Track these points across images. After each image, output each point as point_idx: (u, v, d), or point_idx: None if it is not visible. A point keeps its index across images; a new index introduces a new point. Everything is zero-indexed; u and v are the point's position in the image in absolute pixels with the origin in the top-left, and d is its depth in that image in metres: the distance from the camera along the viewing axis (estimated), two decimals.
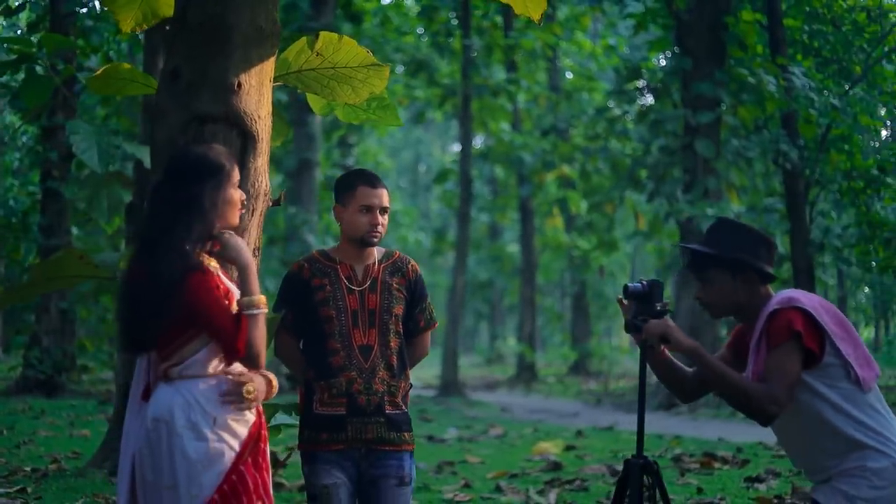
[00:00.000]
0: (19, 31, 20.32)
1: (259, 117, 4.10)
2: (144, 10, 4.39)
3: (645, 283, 4.41)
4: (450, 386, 24.84)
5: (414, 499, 9.08)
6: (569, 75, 34.87)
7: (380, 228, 4.71)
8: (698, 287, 4.43)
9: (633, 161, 23.41)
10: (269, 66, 4.15)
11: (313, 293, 4.70)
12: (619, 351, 40.89)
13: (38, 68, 10.19)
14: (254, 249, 4.21)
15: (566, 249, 32.92)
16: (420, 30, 29.63)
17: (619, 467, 10.37)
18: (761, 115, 20.90)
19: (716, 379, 4.17)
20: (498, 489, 9.52)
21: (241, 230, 4.12)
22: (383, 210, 4.73)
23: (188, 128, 3.98)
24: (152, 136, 4.07)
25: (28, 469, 9.59)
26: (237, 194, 3.83)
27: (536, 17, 4.42)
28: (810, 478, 4.34)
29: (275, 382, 3.88)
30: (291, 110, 22.74)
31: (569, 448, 12.64)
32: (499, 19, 28.98)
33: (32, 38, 11.33)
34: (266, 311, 3.78)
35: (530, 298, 31.78)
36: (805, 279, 20.53)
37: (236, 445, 3.72)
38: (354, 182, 4.74)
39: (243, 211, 3.91)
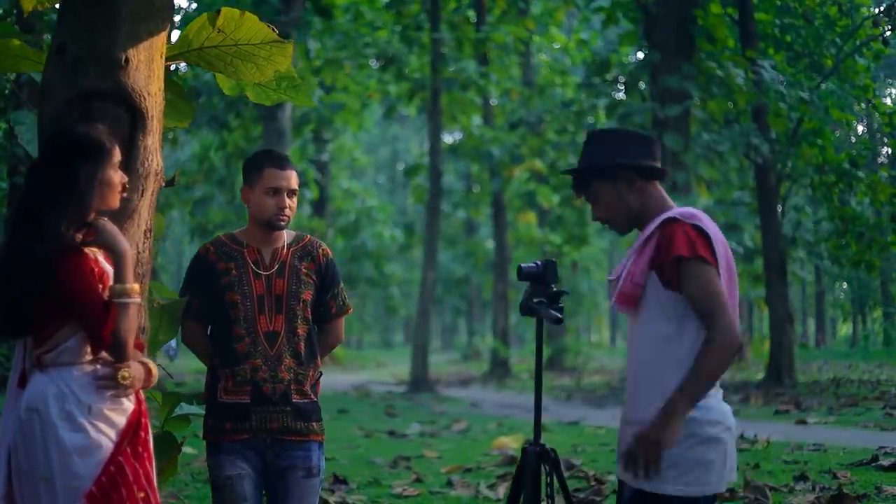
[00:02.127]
0: None
1: (149, 94, 3.95)
2: None
3: (539, 263, 4.28)
4: (420, 382, 24.75)
5: (363, 493, 9.02)
6: (542, 70, 34.83)
7: (287, 212, 4.56)
8: (593, 210, 4.16)
9: None
10: (159, 42, 4.01)
11: (219, 277, 4.55)
12: (598, 347, 40.95)
13: None
14: (145, 231, 4.06)
15: (539, 244, 32.83)
16: (389, 23, 29.52)
17: (577, 461, 10.31)
18: (732, 109, 20.87)
19: (703, 389, 3.77)
20: (449, 484, 9.41)
21: (130, 210, 3.98)
22: (291, 192, 4.58)
23: (74, 105, 3.83)
24: (39, 114, 3.94)
25: None
26: (117, 176, 3.67)
27: None
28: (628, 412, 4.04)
29: (154, 370, 3.74)
30: (261, 105, 22.54)
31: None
32: (471, 14, 28.89)
33: None
34: (139, 301, 3.62)
35: (504, 294, 31.69)
36: (777, 274, 20.53)
37: (113, 435, 3.56)
38: (262, 163, 4.59)
39: (125, 195, 3.75)
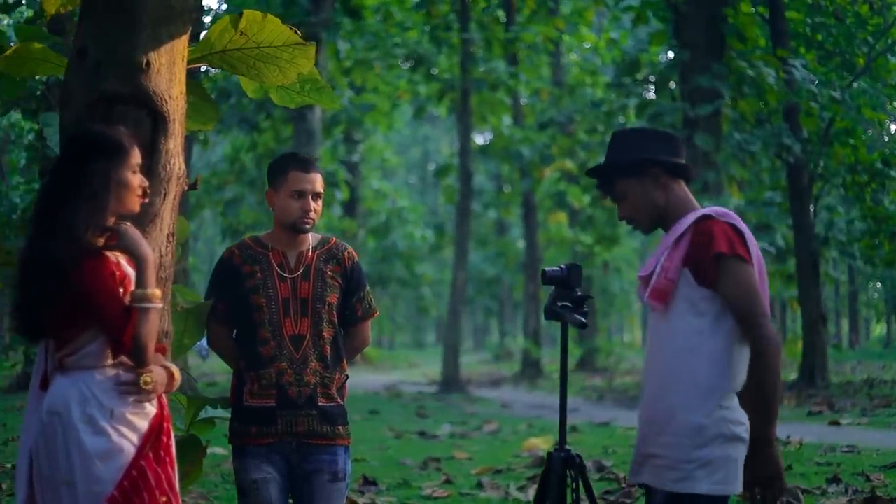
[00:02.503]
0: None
1: (170, 97, 3.94)
2: None
3: (564, 267, 4.24)
4: (451, 382, 24.73)
5: (392, 494, 9.01)
6: (574, 70, 34.74)
7: (312, 214, 4.54)
8: (619, 208, 4.13)
9: None
10: (181, 45, 4.00)
11: (244, 280, 4.54)
12: (630, 347, 40.80)
13: None
14: (168, 234, 4.05)
15: (570, 245, 32.75)
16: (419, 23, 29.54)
17: (607, 463, 10.27)
18: (763, 109, 20.74)
19: (775, 403, 3.75)
20: (479, 485, 9.39)
21: (152, 214, 3.97)
22: (316, 195, 4.56)
23: (96, 108, 3.83)
24: (60, 117, 3.94)
25: (9, 466, 9.46)
26: (135, 179, 3.65)
27: None
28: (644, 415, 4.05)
29: (177, 374, 3.71)
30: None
31: None
32: (500, 13, 28.85)
33: (5, 31, 11.23)
34: (160, 305, 3.60)
35: (535, 294, 31.61)
36: (809, 274, 20.39)
37: (136, 439, 3.54)
38: (286, 166, 4.58)
39: (146, 200, 3.73)
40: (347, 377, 4.70)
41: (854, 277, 43.64)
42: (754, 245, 3.91)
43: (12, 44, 9.95)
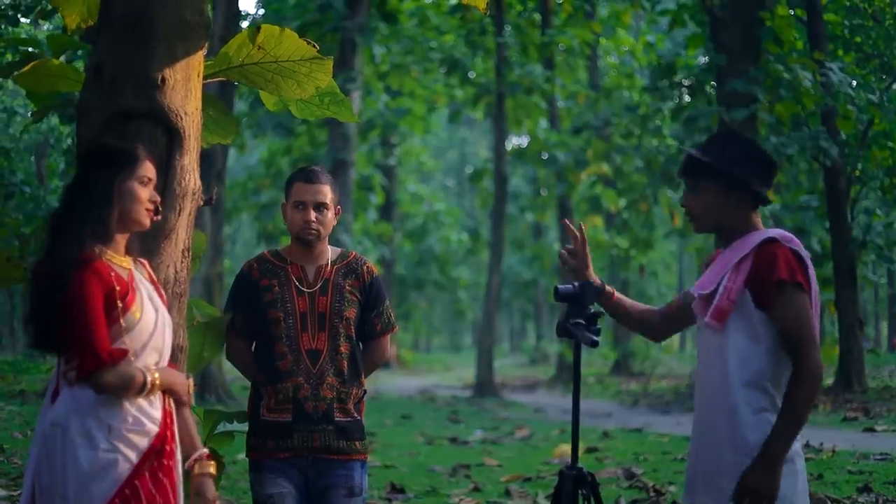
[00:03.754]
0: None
1: (186, 113, 3.95)
2: (90, 4, 4.28)
3: (576, 284, 4.20)
4: (485, 386, 24.72)
5: (420, 502, 9.00)
6: (611, 73, 34.64)
7: (314, 225, 4.54)
8: (684, 195, 4.12)
9: (668, 159, 23.16)
10: (196, 61, 4.02)
11: (262, 294, 4.55)
12: (663, 351, 40.58)
13: None
14: (183, 250, 4.06)
15: (606, 248, 32.65)
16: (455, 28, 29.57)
17: (638, 471, 10.21)
18: (799, 112, 20.58)
19: (798, 428, 3.80)
20: (507, 494, 9.35)
21: (167, 230, 3.97)
22: (319, 206, 4.56)
23: (111, 124, 3.85)
24: (77, 133, 3.96)
25: None
26: (144, 191, 3.62)
27: (482, 6, 4.24)
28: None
29: (189, 386, 3.75)
30: None
31: (590, 450, 12.44)
32: (536, 17, 28.82)
33: (40, 39, 11.33)
34: (150, 388, 3.57)
35: None
36: (846, 277, 20.23)
37: (133, 457, 3.50)
38: (293, 178, 4.63)
39: (156, 218, 3.70)
40: (365, 392, 4.69)
41: (893, 280, 43.22)
42: (812, 272, 3.94)
43: (46, 53, 10.06)
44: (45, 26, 20.33)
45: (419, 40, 28.26)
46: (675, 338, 59.89)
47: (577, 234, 4.39)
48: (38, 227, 22.05)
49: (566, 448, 12.29)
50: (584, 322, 4.12)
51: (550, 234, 45.45)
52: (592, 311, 4.16)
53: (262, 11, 26.69)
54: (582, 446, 12.41)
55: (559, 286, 4.19)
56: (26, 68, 4.26)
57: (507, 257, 31.53)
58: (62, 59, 4.64)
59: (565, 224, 4.43)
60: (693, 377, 4.12)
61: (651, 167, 25.79)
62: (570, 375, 29.68)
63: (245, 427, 4.66)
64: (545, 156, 29.63)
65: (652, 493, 8.87)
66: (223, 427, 4.85)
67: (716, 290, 3.96)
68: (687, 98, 23.41)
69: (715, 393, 3.95)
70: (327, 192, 4.59)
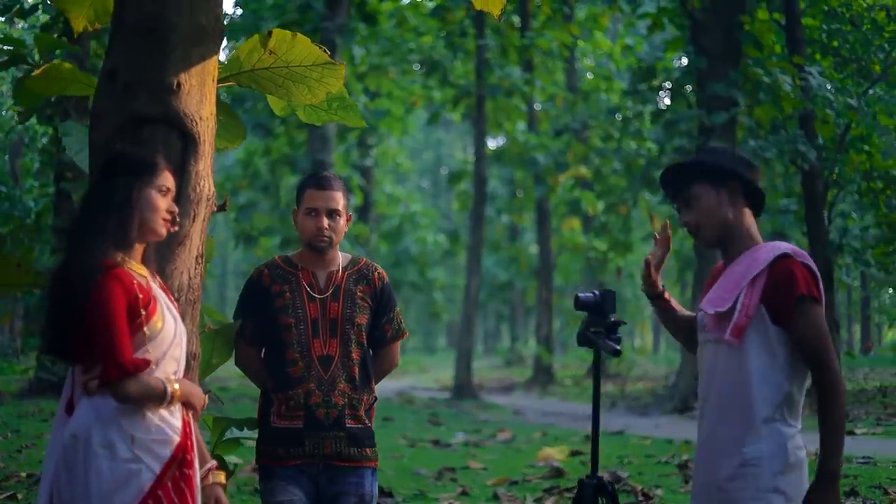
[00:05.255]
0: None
1: (201, 118, 3.93)
2: (96, 7, 4.25)
3: (597, 293, 4.20)
4: (463, 388, 24.70)
5: None
6: (589, 75, 34.69)
7: (326, 232, 4.51)
8: (684, 214, 4.12)
9: (648, 162, 23.22)
10: (211, 66, 3.99)
11: (273, 300, 4.52)
12: (638, 353, 40.69)
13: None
14: (197, 257, 4.03)
15: (583, 251, 32.71)
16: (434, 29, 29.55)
17: (623, 474, 10.22)
18: (778, 116, 20.67)
19: (842, 438, 3.86)
20: (495, 497, 9.35)
21: (181, 237, 3.94)
22: (331, 213, 4.53)
23: (125, 130, 3.81)
24: (89, 138, 3.93)
25: (24, 475, 9.41)
26: (163, 201, 3.61)
27: (496, 12, 4.23)
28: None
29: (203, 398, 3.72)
30: None
31: (574, 454, 12.46)
32: (515, 19, 28.83)
33: (26, 39, 11.26)
34: (170, 399, 3.56)
35: (547, 300, 31.57)
36: (823, 280, 20.17)
37: (156, 467, 3.47)
38: (305, 185, 4.60)
39: (174, 229, 3.68)
40: (376, 399, 4.67)
41: (866, 283, 43.51)
42: (822, 286, 3.97)
43: (31, 50, 9.95)
44: (20, 24, 20.20)
45: (397, 42, 28.22)
46: (650, 340, 60.08)
47: (664, 235, 4.36)
48: (15, 227, 21.89)
49: (550, 451, 12.32)
50: (604, 330, 4.12)
51: (527, 236, 45.50)
52: (613, 319, 4.15)
53: (239, 11, 26.59)
54: (566, 449, 12.52)
55: (580, 294, 4.18)
56: (38, 72, 4.22)
57: (483, 259, 31.49)
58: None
59: (655, 237, 4.35)
60: (699, 390, 4.06)
61: (631, 170, 25.85)
62: (547, 377, 29.87)
63: (254, 434, 4.62)
64: (533, 157, 29.62)
65: (641, 498, 8.88)
66: (231, 434, 4.81)
67: (733, 307, 3.97)
68: (667, 101, 23.49)
69: (731, 406, 3.97)
70: (339, 199, 4.57)
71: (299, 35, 4.12)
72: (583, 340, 4.17)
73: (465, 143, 63.29)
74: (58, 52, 16.70)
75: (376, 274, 4.69)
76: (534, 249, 38.70)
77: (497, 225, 42.22)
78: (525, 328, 54.58)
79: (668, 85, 22.92)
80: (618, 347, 4.07)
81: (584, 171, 29.20)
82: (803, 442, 3.97)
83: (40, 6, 17.18)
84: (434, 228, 44.74)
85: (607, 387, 28.23)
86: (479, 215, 26.32)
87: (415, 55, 28.59)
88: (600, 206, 30.61)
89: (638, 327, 55.26)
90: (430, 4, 28.79)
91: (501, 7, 4.15)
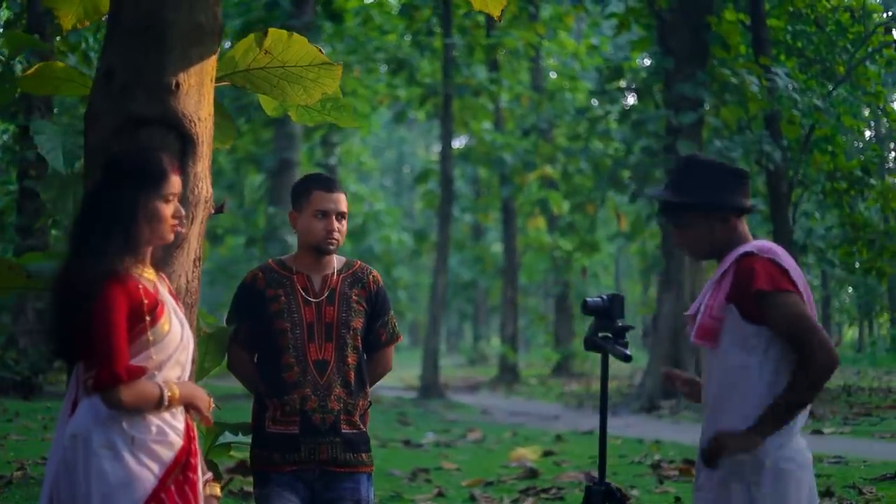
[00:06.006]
0: None
1: (199, 119, 3.86)
2: (86, 5, 4.17)
3: (605, 297, 4.16)
4: (430, 388, 24.64)
5: None
6: (552, 75, 34.73)
7: (336, 235, 4.46)
8: (673, 233, 4.12)
9: (615, 162, 23.27)
10: (209, 66, 3.92)
11: (267, 304, 4.45)
12: None
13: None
14: (194, 259, 3.96)
15: (549, 250, 32.74)
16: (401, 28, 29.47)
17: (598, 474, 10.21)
18: (744, 116, 20.79)
19: (796, 408, 3.80)
20: (472, 498, 9.32)
21: (179, 239, 3.87)
22: (340, 215, 4.49)
23: (122, 131, 3.74)
24: (85, 139, 3.85)
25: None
26: (168, 208, 3.55)
27: (496, 13, 4.19)
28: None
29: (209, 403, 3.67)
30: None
31: (547, 454, 12.45)
32: (481, 18, 28.79)
33: None
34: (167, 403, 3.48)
35: (512, 299, 31.60)
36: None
37: (158, 470, 3.42)
38: (309, 187, 4.51)
39: (181, 230, 3.65)
40: (371, 403, 4.64)
41: (827, 282, 43.85)
42: (800, 277, 3.91)
43: None
44: None
45: (362, 40, 28.12)
46: None
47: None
48: None
49: (523, 451, 12.31)
50: (611, 335, 4.08)
51: (490, 234, 45.50)
52: (620, 324, 4.11)
53: None
54: (539, 449, 12.51)
55: (588, 299, 4.14)
56: (31, 70, 4.14)
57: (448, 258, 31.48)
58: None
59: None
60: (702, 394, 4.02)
61: (599, 170, 25.89)
62: (512, 377, 29.86)
63: (245, 439, 4.56)
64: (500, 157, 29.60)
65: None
66: (224, 438, 4.75)
67: (699, 310, 3.99)
68: (631, 100, 23.55)
69: (722, 407, 3.94)
70: (345, 201, 4.54)
71: (295, 35, 4.06)
72: (590, 345, 4.13)
73: (427, 141, 63.20)
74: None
75: (371, 277, 4.64)
76: (497, 248, 38.73)
77: (461, 224, 42.17)
78: (488, 327, 54.58)
79: (634, 85, 22.98)
80: (628, 353, 4.03)
81: (549, 170, 29.23)
82: (805, 443, 3.93)
83: (4, 2, 17.01)
84: (398, 227, 44.62)
85: (573, 386, 28.29)
86: (447, 215, 26.26)
87: (381, 54, 28.50)
88: (566, 206, 30.65)
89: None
90: (395, 3, 28.72)
91: (502, 7, 4.11)
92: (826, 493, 8.62)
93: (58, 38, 17.06)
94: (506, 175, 29.94)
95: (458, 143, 37.24)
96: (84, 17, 4.22)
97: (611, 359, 4.32)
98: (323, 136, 33.10)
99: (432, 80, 28.57)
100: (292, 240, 22.40)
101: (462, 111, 28.73)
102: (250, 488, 7.87)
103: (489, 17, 25.96)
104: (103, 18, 4.02)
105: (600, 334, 4.11)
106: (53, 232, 18.82)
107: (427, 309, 28.95)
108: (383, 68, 29.48)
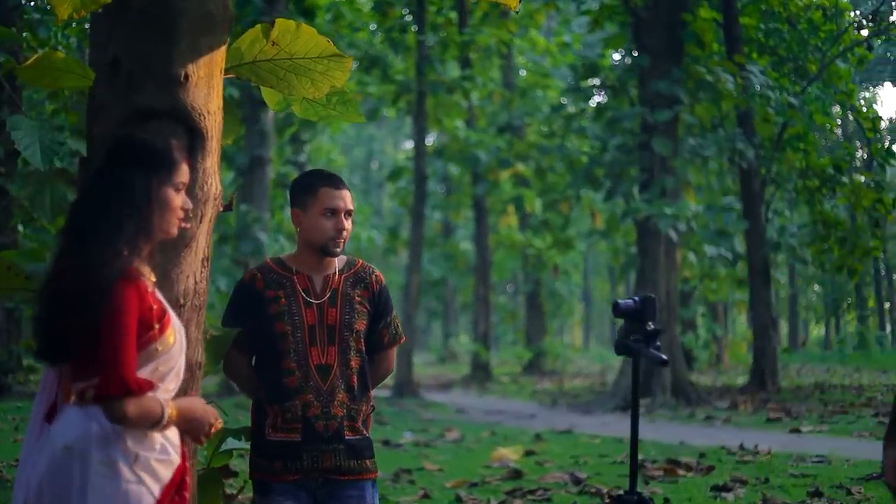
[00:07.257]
0: None
1: (208, 112, 3.70)
2: None
3: (636, 299, 4.01)
4: (404, 386, 24.51)
5: None
6: (523, 73, 34.67)
7: (345, 234, 4.28)
8: None
9: (590, 159, 23.22)
10: (219, 56, 3.77)
11: (267, 306, 4.24)
12: (573, 350, 40.81)
13: None
14: (202, 259, 3.79)
15: (520, 248, 32.68)
16: (373, 26, 29.29)
17: (582, 475, 10.12)
18: (718, 114, 20.82)
19: None
20: (458, 500, 9.19)
21: (187, 238, 3.71)
22: (348, 213, 4.31)
23: (129, 123, 3.55)
24: (89, 132, 3.67)
25: None
26: (177, 198, 3.32)
27: (514, 5, 4.04)
28: None
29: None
30: (244, 106, 22.32)
31: (528, 453, 12.36)
32: (454, 15, 28.70)
33: None
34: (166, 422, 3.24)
35: (484, 297, 31.52)
36: (761, 279, 20.48)
37: (157, 490, 3.21)
38: (315, 183, 4.30)
39: (186, 226, 3.45)
40: (374, 408, 4.46)
41: (794, 280, 44.08)
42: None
43: None
44: None
45: (333, 36, 27.93)
46: (579, 336, 60.37)
47: None
48: None
49: (504, 451, 12.21)
50: (643, 339, 3.92)
51: (460, 232, 45.42)
52: (652, 327, 3.96)
53: None
54: (520, 449, 12.40)
55: (619, 301, 4.00)
56: (29, 62, 3.94)
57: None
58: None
59: None
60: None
61: (574, 168, 25.84)
62: (484, 375, 29.78)
63: (248, 445, 4.39)
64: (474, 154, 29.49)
65: (607, 500, 8.76)
66: (226, 445, 4.58)
67: None
68: (600, 98, 23.53)
69: None
70: (352, 198, 4.37)
71: (304, 25, 3.90)
72: (622, 350, 3.97)
73: (396, 139, 63.05)
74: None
75: (374, 277, 4.46)
76: (467, 246, 38.63)
77: (431, 222, 42.07)
78: (457, 324, 54.49)
79: (609, 83, 22.94)
80: (664, 357, 3.87)
81: (521, 168, 29.17)
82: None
83: None
84: (367, 225, 44.47)
85: (545, 384, 28.27)
86: (420, 213, 26.14)
87: (352, 51, 28.32)
88: (538, 204, 30.60)
89: (569, 324, 55.52)
90: (370, 2, 28.56)
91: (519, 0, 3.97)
92: (815, 494, 8.60)
93: (26, 34, 16.81)
94: (479, 173, 29.85)
95: (431, 140, 37.16)
96: (81, 7, 4.04)
97: (608, 358, 4.18)
98: (293, 134, 32.93)
99: (405, 77, 28.43)
100: (264, 237, 22.31)
101: (436, 108, 28.59)
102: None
103: (462, 15, 25.87)
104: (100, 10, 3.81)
105: (632, 338, 3.95)
106: (22, 230, 18.53)
107: (400, 307, 28.79)
108: (355, 65, 29.30)
